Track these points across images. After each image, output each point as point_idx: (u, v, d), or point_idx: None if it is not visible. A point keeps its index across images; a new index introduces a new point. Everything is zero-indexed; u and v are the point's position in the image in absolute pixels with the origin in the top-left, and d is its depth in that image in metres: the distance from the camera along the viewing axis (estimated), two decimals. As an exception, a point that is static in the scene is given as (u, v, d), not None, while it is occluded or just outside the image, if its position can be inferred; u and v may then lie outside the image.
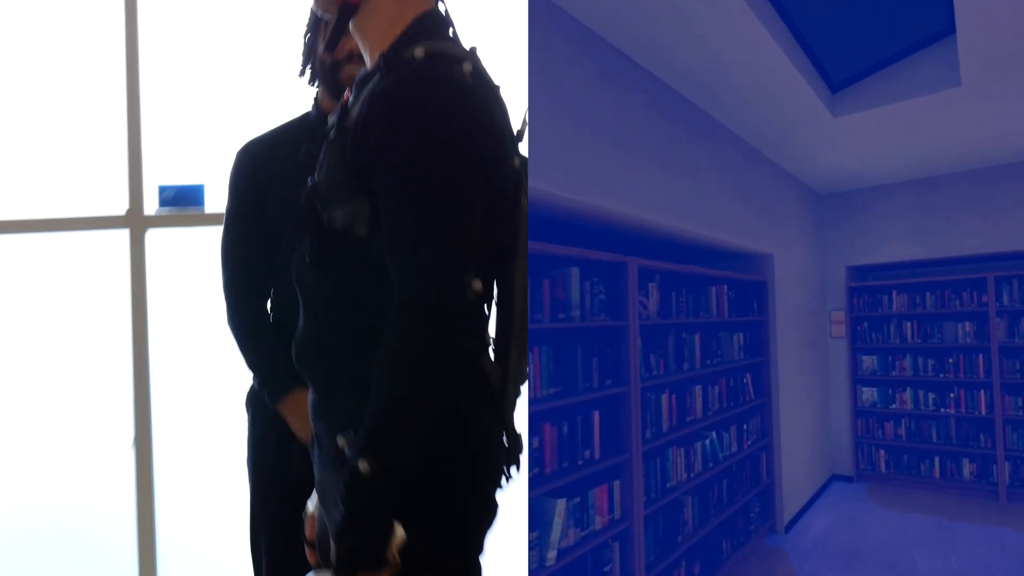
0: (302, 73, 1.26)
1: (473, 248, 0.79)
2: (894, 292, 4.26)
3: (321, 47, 1.22)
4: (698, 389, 2.72)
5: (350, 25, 0.89)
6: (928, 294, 4.15)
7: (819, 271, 4.29)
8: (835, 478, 4.37)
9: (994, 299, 3.90)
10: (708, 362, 2.83)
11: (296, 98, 1.66)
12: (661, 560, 2.34)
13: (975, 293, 3.98)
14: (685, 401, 2.62)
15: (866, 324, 4.34)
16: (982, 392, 3.95)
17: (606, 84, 2.00)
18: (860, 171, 3.86)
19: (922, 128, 3.06)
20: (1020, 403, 3.84)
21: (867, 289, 4.35)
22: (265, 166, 1.23)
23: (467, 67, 0.83)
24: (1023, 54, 2.30)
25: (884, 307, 4.29)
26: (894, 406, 4.25)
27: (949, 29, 2.45)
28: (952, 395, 4.06)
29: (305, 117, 1.27)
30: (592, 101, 1.94)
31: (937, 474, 4.09)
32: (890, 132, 3.10)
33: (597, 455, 2.02)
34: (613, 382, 2.12)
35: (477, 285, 0.79)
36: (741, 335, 3.16)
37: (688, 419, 2.63)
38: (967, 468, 4.00)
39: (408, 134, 0.78)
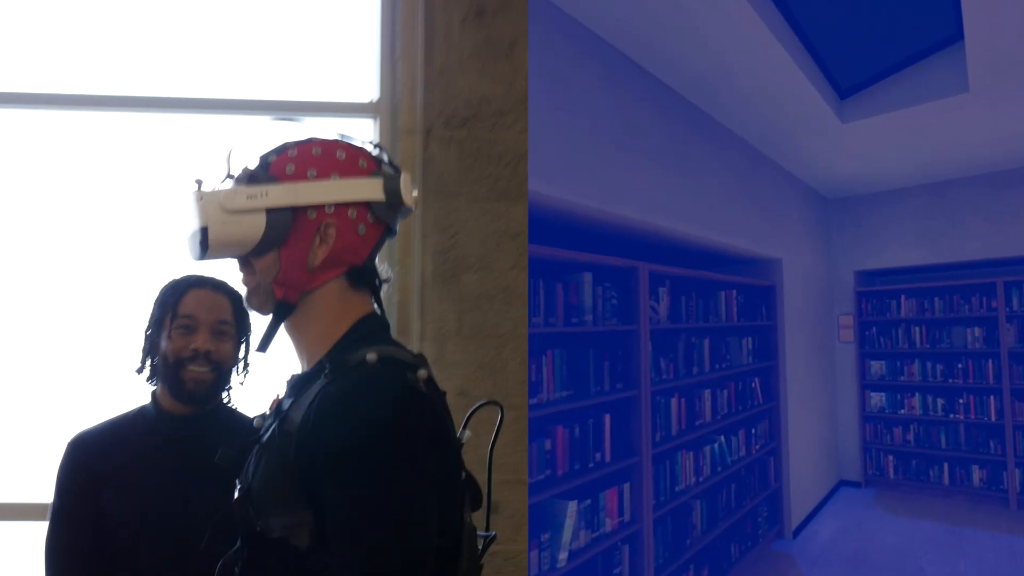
0: (140, 369, 1.22)
1: (429, 563, 0.75)
2: (902, 297, 4.26)
3: (164, 343, 1.20)
4: (707, 393, 2.73)
5: (285, 324, 0.85)
6: (936, 299, 4.14)
7: (827, 276, 4.30)
8: (843, 483, 4.36)
9: (1003, 304, 3.89)
10: (717, 366, 2.84)
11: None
12: (670, 563, 2.34)
13: (984, 298, 3.97)
14: (694, 405, 2.63)
15: (874, 329, 4.34)
16: (992, 398, 3.94)
17: (613, 90, 2.03)
18: (868, 176, 3.87)
19: (930, 133, 3.07)
20: (1030, 409, 3.83)
21: (875, 294, 4.35)
22: (102, 460, 1.18)
23: (421, 374, 0.80)
24: (1032, 60, 2.31)
25: (892, 312, 4.28)
26: (903, 411, 4.24)
27: (957, 35, 2.46)
28: (961, 401, 4.04)
29: (141, 411, 1.23)
30: (600, 107, 1.96)
31: (946, 480, 4.08)
32: (898, 137, 3.11)
33: (608, 458, 2.03)
34: (624, 386, 2.14)
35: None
36: (750, 339, 3.17)
37: (697, 423, 2.64)
38: (977, 474, 3.99)
39: (363, 445, 0.74)
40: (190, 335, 1.19)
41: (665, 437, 2.36)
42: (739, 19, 1.89)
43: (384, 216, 0.85)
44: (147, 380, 1.22)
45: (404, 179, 0.85)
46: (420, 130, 2.01)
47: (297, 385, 0.83)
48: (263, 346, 0.86)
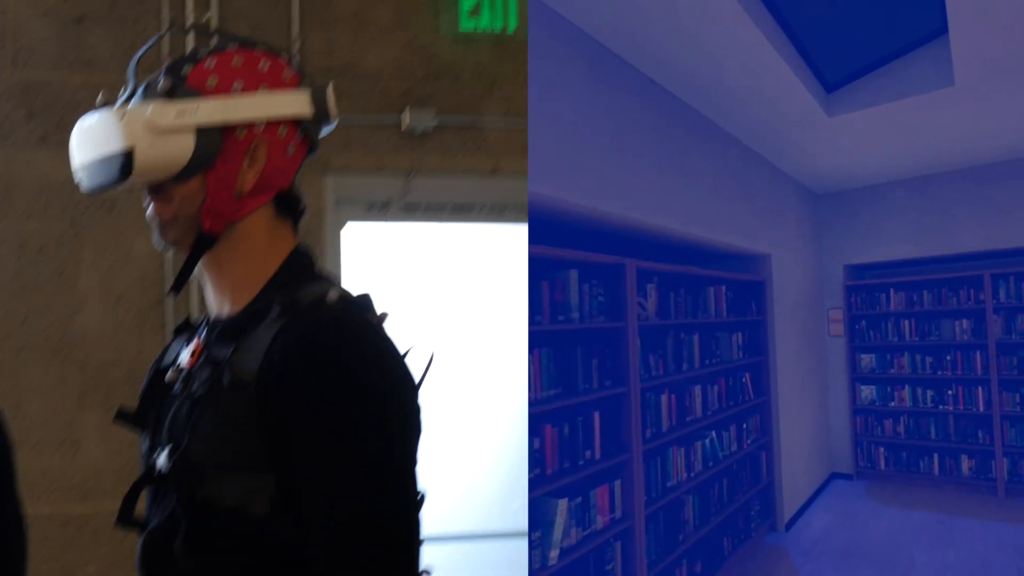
0: None
1: (419, 525, 0.70)
2: (892, 290, 4.28)
3: None
4: (697, 389, 2.74)
5: (203, 260, 0.76)
6: (925, 292, 4.17)
7: (817, 270, 4.31)
8: (835, 476, 4.38)
9: (991, 296, 3.92)
10: (707, 362, 2.85)
11: None
12: (662, 559, 2.35)
13: (972, 291, 4.00)
14: (684, 401, 2.64)
15: (864, 322, 4.36)
16: (980, 389, 3.97)
17: (602, 87, 2.02)
18: (856, 170, 3.88)
19: (917, 127, 3.09)
20: (1018, 399, 3.86)
21: (865, 288, 4.37)
22: None
23: (382, 314, 0.74)
24: (1015, 53, 2.32)
25: (882, 305, 4.31)
26: (893, 404, 4.26)
27: (942, 29, 2.47)
28: (950, 392, 4.07)
29: None
30: (588, 104, 1.95)
31: (936, 471, 4.11)
32: (885, 131, 3.12)
33: (598, 455, 2.04)
34: (613, 383, 2.14)
35: (429, 570, 0.71)
36: (740, 335, 3.18)
37: (688, 419, 2.65)
38: (966, 464, 4.02)
39: (348, 393, 0.67)
40: None
41: (656, 433, 2.36)
42: (724, 13, 1.89)
43: (312, 133, 0.77)
44: None
45: (330, 91, 0.77)
46: None
47: (229, 330, 0.73)
48: (178, 287, 0.78)
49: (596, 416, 2.03)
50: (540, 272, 1.91)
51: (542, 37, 1.78)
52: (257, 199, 0.76)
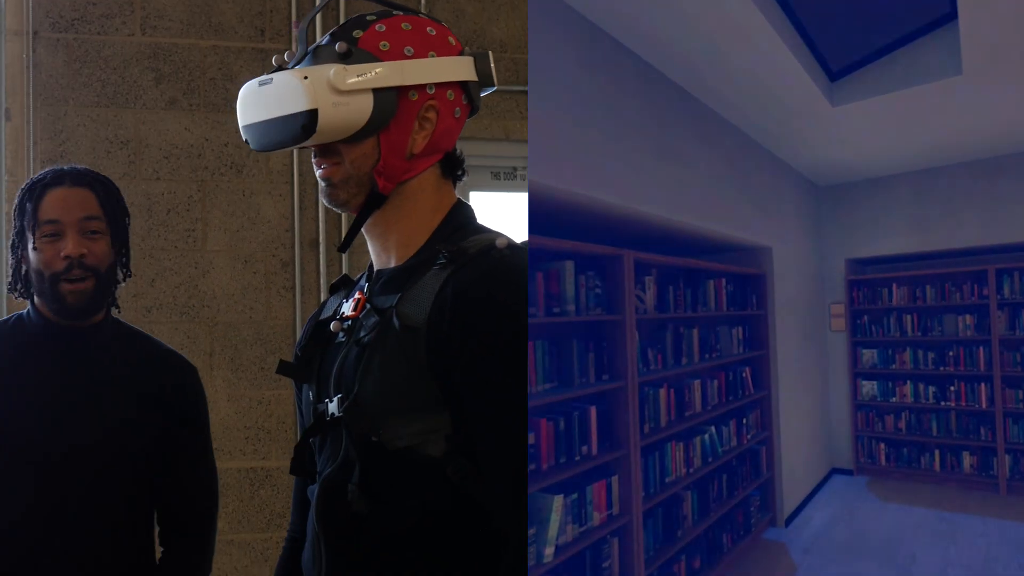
0: (13, 286, 1.11)
1: None
2: (894, 285, 4.23)
3: (33, 257, 1.08)
4: (696, 383, 2.70)
5: (370, 218, 0.78)
6: (928, 286, 4.12)
7: (818, 264, 4.27)
8: (835, 471, 4.35)
9: (995, 291, 3.87)
10: (707, 356, 2.81)
11: None
12: (661, 555, 2.32)
13: (976, 285, 3.95)
14: (684, 395, 2.60)
15: (866, 317, 4.32)
16: (982, 385, 3.93)
17: (600, 74, 1.97)
18: (859, 162, 3.83)
19: (923, 118, 3.03)
20: (1020, 396, 3.82)
21: (867, 282, 4.32)
22: None
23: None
24: (1025, 41, 2.26)
25: (884, 300, 4.26)
26: (894, 399, 4.22)
27: (950, 15, 2.41)
28: (952, 388, 4.03)
29: (19, 321, 1.12)
30: (586, 91, 1.90)
31: (937, 467, 4.08)
32: (890, 122, 3.07)
33: (594, 451, 2.00)
34: (610, 377, 2.10)
35: None
36: (740, 329, 3.14)
37: (687, 413, 2.61)
38: (967, 461, 3.99)
39: (510, 336, 0.70)
40: (58, 241, 1.07)
41: (654, 428, 2.33)
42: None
43: (476, 98, 0.80)
44: (20, 296, 1.12)
45: (491, 57, 0.82)
46: (27, 31, 1.99)
47: (394, 280, 0.76)
48: (345, 245, 0.81)
49: (592, 411, 1.99)
50: (534, 263, 1.87)
51: (536, 20, 1.72)
52: (426, 160, 0.79)
